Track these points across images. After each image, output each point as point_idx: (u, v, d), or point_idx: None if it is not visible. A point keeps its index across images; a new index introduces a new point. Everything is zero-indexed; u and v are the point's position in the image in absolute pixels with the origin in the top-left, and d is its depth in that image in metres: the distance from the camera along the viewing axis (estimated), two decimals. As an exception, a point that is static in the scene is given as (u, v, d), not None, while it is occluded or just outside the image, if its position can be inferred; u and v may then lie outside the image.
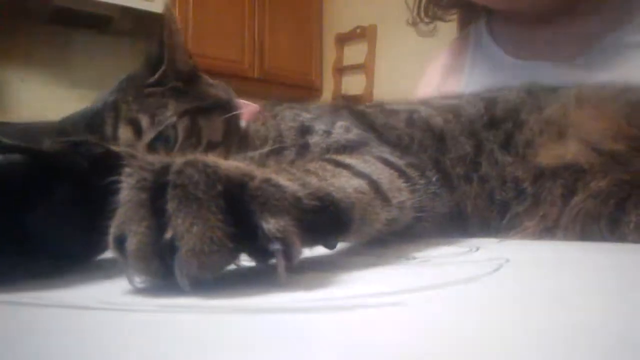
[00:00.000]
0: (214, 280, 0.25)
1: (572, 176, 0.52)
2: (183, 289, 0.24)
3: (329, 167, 0.38)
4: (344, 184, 0.34)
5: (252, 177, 0.26)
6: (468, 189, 0.56)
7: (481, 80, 0.96)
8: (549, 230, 0.52)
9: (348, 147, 0.55)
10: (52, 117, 0.62)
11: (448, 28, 1.23)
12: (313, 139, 0.58)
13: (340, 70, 3.65)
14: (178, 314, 0.21)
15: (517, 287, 0.27)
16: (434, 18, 1.08)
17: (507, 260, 0.35)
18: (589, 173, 0.51)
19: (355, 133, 0.58)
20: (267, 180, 0.26)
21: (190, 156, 0.26)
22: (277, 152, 0.58)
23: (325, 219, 0.30)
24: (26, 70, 2.94)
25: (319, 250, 0.38)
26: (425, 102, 0.67)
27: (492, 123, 0.60)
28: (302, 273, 0.30)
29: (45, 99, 2.87)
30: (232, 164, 0.27)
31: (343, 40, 3.64)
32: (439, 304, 0.23)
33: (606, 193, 0.49)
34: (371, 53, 3.46)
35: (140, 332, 0.19)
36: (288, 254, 0.25)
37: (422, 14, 1.08)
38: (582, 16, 0.90)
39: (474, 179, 0.57)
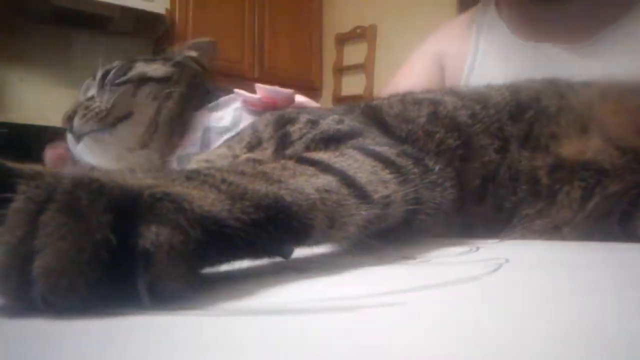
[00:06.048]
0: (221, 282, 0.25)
1: (592, 177, 0.50)
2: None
3: (291, 165, 0.34)
4: (302, 184, 0.31)
5: (140, 194, 0.23)
6: (478, 207, 0.54)
7: (488, 61, 0.92)
8: (557, 228, 0.51)
9: (335, 138, 0.51)
10: (51, 117, 0.62)
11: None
12: (293, 127, 0.54)
13: (340, 70, 3.65)
14: (178, 316, 0.21)
15: (517, 287, 0.27)
16: None
17: (507, 260, 0.35)
18: (610, 175, 0.50)
19: (347, 124, 0.54)
20: (160, 198, 0.23)
21: (81, 173, 0.23)
22: (250, 148, 0.55)
23: (275, 228, 0.26)
24: (26, 70, 2.94)
25: (319, 251, 0.38)
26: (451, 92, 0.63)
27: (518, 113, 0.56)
28: (301, 273, 0.30)
29: (45, 99, 2.87)
30: (126, 179, 0.24)
31: (343, 40, 3.64)
32: (439, 304, 0.23)
33: (620, 194, 0.48)
34: (371, 53, 3.46)
35: (139, 335, 0.19)
36: (158, 271, 0.21)
37: None
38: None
39: (488, 191, 0.54)
